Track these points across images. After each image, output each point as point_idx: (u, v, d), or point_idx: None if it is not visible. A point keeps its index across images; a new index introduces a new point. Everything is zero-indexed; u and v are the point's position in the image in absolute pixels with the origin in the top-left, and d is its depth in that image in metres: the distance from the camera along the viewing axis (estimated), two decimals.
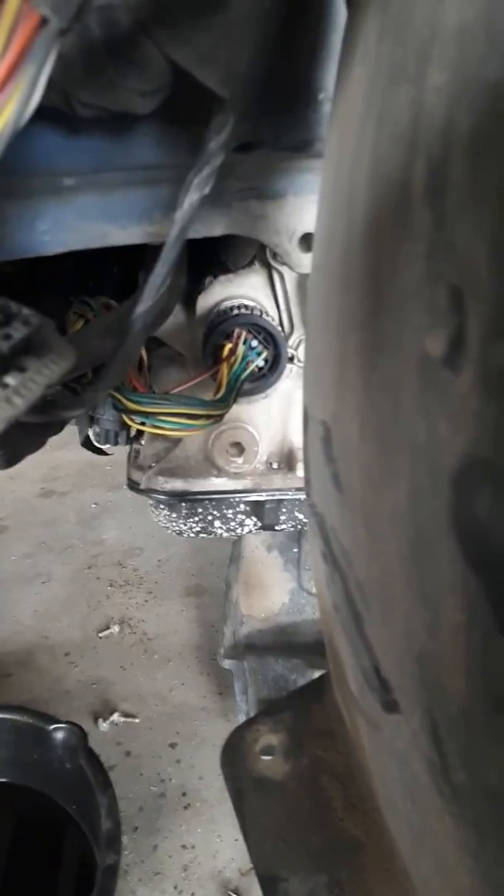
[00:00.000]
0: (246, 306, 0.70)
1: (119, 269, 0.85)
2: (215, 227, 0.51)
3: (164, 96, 0.38)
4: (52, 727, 1.03)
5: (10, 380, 0.28)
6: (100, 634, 1.55)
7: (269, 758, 0.56)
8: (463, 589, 0.20)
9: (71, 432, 0.89)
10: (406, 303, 0.20)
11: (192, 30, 0.33)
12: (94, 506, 2.05)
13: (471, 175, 0.16)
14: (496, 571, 0.18)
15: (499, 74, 0.15)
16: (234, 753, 0.57)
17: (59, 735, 1.03)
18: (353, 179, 0.26)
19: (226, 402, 0.66)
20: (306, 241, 0.53)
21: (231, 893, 1.05)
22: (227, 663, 1.10)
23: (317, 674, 0.83)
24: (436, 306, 0.18)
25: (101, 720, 1.32)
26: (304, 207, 0.51)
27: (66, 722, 1.04)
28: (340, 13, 0.44)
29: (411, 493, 0.22)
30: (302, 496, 0.80)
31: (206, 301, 0.71)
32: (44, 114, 0.30)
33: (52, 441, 0.67)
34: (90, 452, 1.00)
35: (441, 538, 0.20)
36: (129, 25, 0.31)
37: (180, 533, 0.85)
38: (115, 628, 1.56)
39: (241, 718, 1.06)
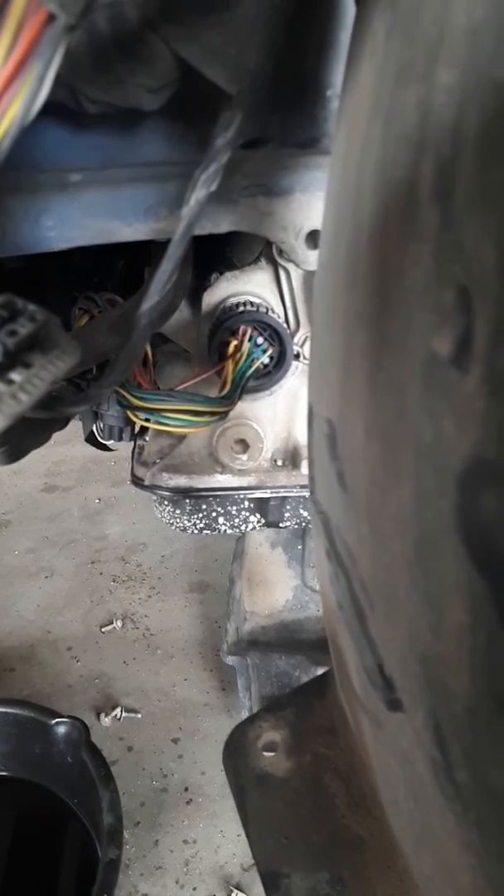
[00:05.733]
0: (252, 303, 0.69)
1: (124, 264, 0.85)
2: (222, 224, 0.51)
3: (172, 93, 0.38)
4: (54, 721, 1.04)
5: (16, 376, 0.28)
6: (102, 629, 1.56)
7: (271, 754, 0.56)
8: (467, 590, 0.20)
9: (75, 427, 0.90)
10: (413, 303, 0.20)
11: (201, 27, 0.33)
12: (97, 501, 2.06)
13: (479, 175, 0.16)
14: (501, 573, 0.18)
15: None
16: (237, 750, 0.57)
17: (61, 729, 1.03)
18: (360, 178, 0.26)
19: (230, 399, 0.66)
20: (313, 237, 0.53)
21: (233, 889, 1.05)
22: (230, 659, 1.10)
23: (320, 671, 0.83)
24: (443, 306, 0.18)
25: (103, 715, 1.33)
26: (311, 204, 0.51)
27: (68, 716, 1.04)
28: (349, 10, 0.43)
29: (416, 494, 0.22)
30: (306, 493, 0.80)
31: (211, 297, 0.71)
32: (51, 109, 0.30)
33: (57, 436, 0.67)
34: (94, 448, 1.00)
35: (446, 539, 0.20)
36: (138, 22, 0.31)
37: (184, 529, 0.85)
38: (118, 623, 1.57)
39: (244, 715, 1.07)
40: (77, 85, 0.35)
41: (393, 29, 0.24)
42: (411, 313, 0.21)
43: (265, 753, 0.57)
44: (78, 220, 0.48)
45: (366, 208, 0.25)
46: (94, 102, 0.37)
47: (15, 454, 0.56)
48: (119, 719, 1.32)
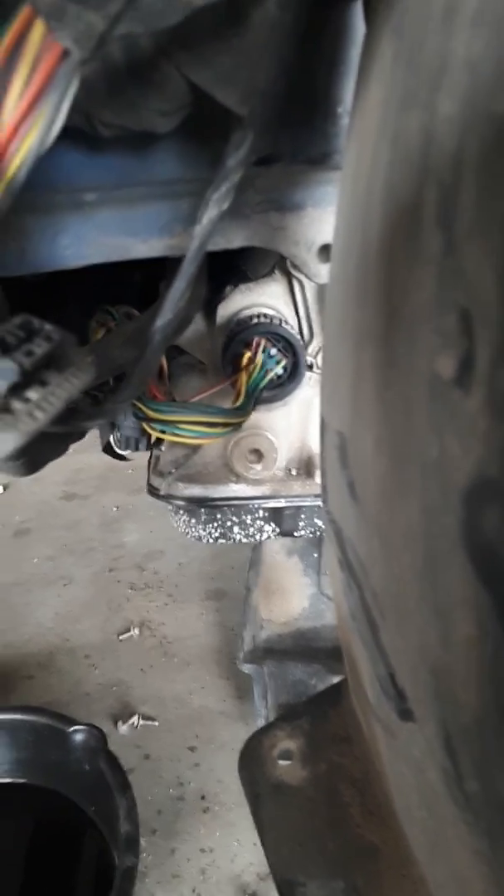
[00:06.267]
0: (265, 315, 0.70)
1: (140, 276, 0.86)
2: (235, 240, 0.52)
3: (184, 115, 0.39)
4: (71, 729, 1.04)
5: (32, 394, 0.29)
6: (120, 637, 1.57)
7: (286, 763, 0.57)
8: (474, 604, 0.20)
9: (93, 436, 0.91)
10: (418, 323, 0.21)
11: (212, 52, 0.33)
12: (115, 509, 2.07)
13: (479, 204, 0.17)
14: None
15: None
16: (252, 758, 0.57)
17: (79, 737, 1.04)
18: (369, 198, 0.27)
19: (245, 410, 0.67)
20: (325, 251, 0.53)
21: None
22: (246, 667, 1.10)
23: (336, 679, 0.83)
24: (446, 329, 0.19)
25: (120, 723, 1.33)
26: (322, 219, 0.52)
27: (85, 724, 1.05)
28: (359, 28, 0.44)
29: (423, 509, 0.23)
30: (320, 502, 0.80)
31: (225, 310, 0.72)
32: (67, 133, 0.31)
33: (75, 445, 0.68)
34: (109, 456, 1.01)
35: (452, 554, 0.21)
36: (151, 50, 0.32)
37: (199, 538, 0.86)
38: (136, 631, 1.57)
39: (261, 723, 1.07)
40: (92, 110, 0.36)
41: (398, 55, 0.25)
42: (416, 333, 0.21)
43: (280, 762, 0.57)
44: (93, 238, 0.49)
45: (374, 227, 0.26)
46: (108, 126, 0.38)
47: (32, 466, 0.57)
48: (136, 727, 1.33)
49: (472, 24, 0.17)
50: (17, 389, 0.29)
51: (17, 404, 0.28)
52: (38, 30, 0.24)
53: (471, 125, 0.17)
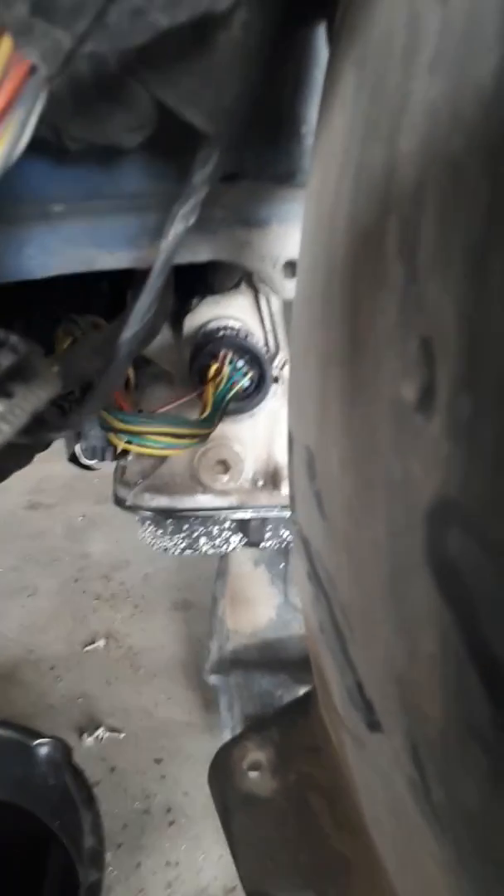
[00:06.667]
0: (232, 327, 0.71)
1: (108, 285, 0.86)
2: (200, 254, 0.52)
3: (151, 131, 0.39)
4: (35, 742, 1.03)
5: None
6: (85, 648, 1.55)
7: (256, 774, 0.57)
8: (437, 620, 0.21)
9: (59, 445, 0.90)
10: (381, 348, 0.21)
11: (178, 72, 0.34)
12: (80, 518, 2.05)
13: (440, 238, 0.17)
14: (467, 606, 0.19)
15: (462, 151, 0.16)
16: (221, 770, 0.57)
17: (44, 750, 1.03)
18: (333, 223, 0.27)
19: (211, 421, 0.67)
20: (290, 267, 0.54)
21: None
22: (212, 679, 1.10)
23: (303, 690, 0.84)
24: (408, 355, 0.19)
25: (85, 735, 1.32)
26: (287, 235, 0.52)
27: (50, 737, 1.04)
28: (323, 50, 0.45)
29: (388, 528, 0.23)
30: (287, 513, 0.81)
31: (192, 321, 0.72)
32: (34, 145, 0.31)
33: (40, 454, 0.67)
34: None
35: (416, 572, 0.21)
36: (117, 67, 0.32)
37: (166, 550, 0.85)
38: (101, 642, 1.56)
39: (227, 734, 1.07)
40: (59, 123, 0.36)
41: (361, 87, 0.25)
42: (380, 358, 0.22)
43: (250, 773, 0.57)
44: (60, 249, 0.49)
45: (338, 253, 0.26)
46: (75, 140, 0.38)
47: None
48: (101, 739, 1.32)
49: (429, 69, 0.18)
50: None
51: None
52: (5, 45, 0.25)
53: (429, 164, 0.17)
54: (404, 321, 0.19)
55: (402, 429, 0.20)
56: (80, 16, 0.25)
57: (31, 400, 0.32)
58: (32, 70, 0.26)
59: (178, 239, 0.39)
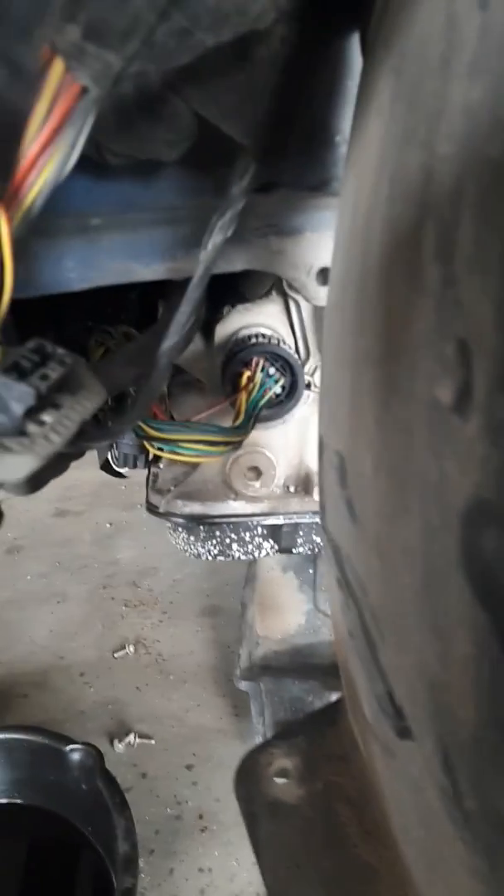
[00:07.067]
0: (263, 335, 0.71)
1: (137, 295, 0.88)
2: (236, 263, 0.53)
3: (190, 145, 0.40)
4: (68, 748, 1.04)
5: (47, 417, 0.29)
6: (115, 655, 1.56)
7: (283, 781, 0.57)
8: (472, 622, 0.21)
9: (87, 453, 0.91)
10: (417, 351, 0.22)
11: (219, 87, 0.35)
12: (108, 525, 2.07)
13: (478, 241, 0.18)
14: (502, 607, 0.19)
15: (502, 153, 0.17)
16: (248, 776, 0.57)
17: (76, 756, 1.03)
18: (368, 229, 0.28)
19: (244, 429, 0.67)
20: (323, 274, 0.54)
21: None
22: (243, 685, 1.10)
23: (333, 696, 0.83)
24: (445, 358, 0.20)
25: (116, 741, 1.32)
26: (320, 243, 0.53)
27: (82, 743, 1.04)
28: (356, 61, 0.46)
29: (422, 529, 0.23)
30: (318, 519, 0.81)
31: (224, 330, 0.73)
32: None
33: None
34: (104, 473, 1.02)
35: (451, 574, 0.21)
36: (160, 84, 0.33)
37: (198, 556, 0.86)
38: (131, 648, 1.57)
39: (258, 740, 1.06)
40: (101, 140, 0.37)
41: (397, 94, 0.26)
42: (416, 360, 0.22)
43: (277, 780, 0.57)
44: (98, 261, 0.50)
45: (373, 258, 0.27)
46: (116, 155, 0.39)
47: (34, 486, 0.58)
48: (132, 745, 1.32)
49: (468, 73, 0.18)
50: (32, 413, 0.29)
51: (32, 428, 0.29)
52: (57, 68, 0.26)
53: (469, 167, 0.18)
54: (440, 323, 0.20)
55: (438, 430, 0.21)
56: (130, 38, 0.26)
57: (78, 410, 0.33)
58: (83, 91, 0.27)
59: (217, 249, 0.40)
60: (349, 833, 0.52)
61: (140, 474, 0.92)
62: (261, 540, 0.84)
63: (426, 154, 0.21)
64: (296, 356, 0.72)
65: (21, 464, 0.30)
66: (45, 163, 0.27)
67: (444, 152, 0.20)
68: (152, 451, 0.72)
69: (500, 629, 0.20)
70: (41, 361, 0.30)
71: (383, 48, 0.28)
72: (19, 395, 0.29)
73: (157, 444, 0.68)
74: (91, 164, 0.43)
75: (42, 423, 0.29)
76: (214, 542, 0.84)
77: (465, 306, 0.18)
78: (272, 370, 0.71)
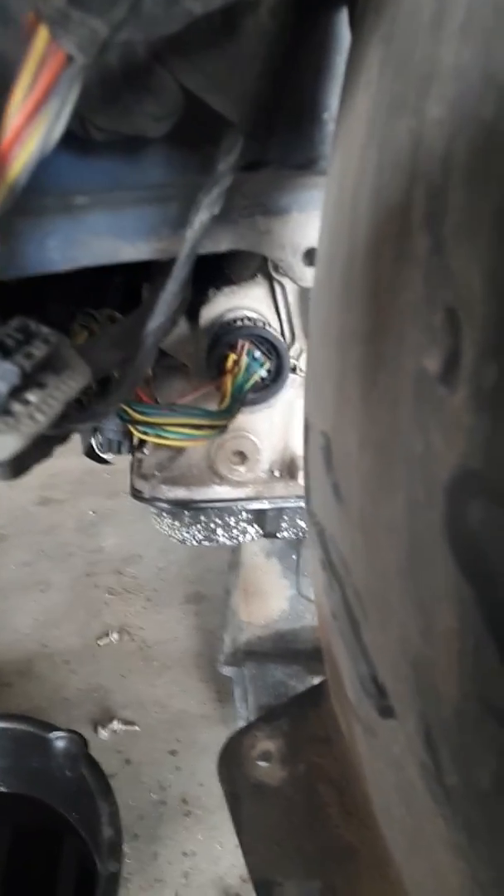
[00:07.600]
0: (249, 318, 0.71)
1: (121, 278, 0.87)
2: (221, 243, 0.52)
3: (176, 120, 0.39)
4: (52, 735, 1.04)
5: (32, 396, 0.29)
6: (99, 642, 1.56)
7: (265, 764, 0.57)
8: (456, 596, 0.21)
9: (69, 439, 0.90)
10: (405, 322, 0.22)
11: (206, 59, 0.34)
12: (92, 513, 2.06)
13: (468, 205, 0.17)
14: (487, 580, 0.19)
15: (494, 113, 0.16)
16: (231, 759, 0.58)
17: (60, 743, 1.03)
18: (355, 202, 0.28)
19: (230, 412, 0.67)
20: (309, 255, 0.54)
21: None
22: (226, 670, 1.11)
23: (316, 680, 0.84)
24: (433, 327, 0.19)
25: (100, 728, 1.32)
26: (308, 223, 0.52)
27: (66, 730, 1.04)
28: (344, 36, 0.45)
29: (407, 504, 0.23)
30: (303, 504, 0.81)
31: (209, 313, 0.72)
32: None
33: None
34: (88, 460, 1.01)
35: (436, 547, 0.21)
36: (147, 55, 0.32)
37: (183, 541, 0.86)
38: (115, 636, 1.57)
39: (242, 725, 1.07)
40: (86, 114, 0.37)
41: (386, 63, 0.25)
42: (403, 332, 0.22)
43: (260, 763, 0.57)
44: (82, 241, 0.49)
45: (361, 231, 0.26)
46: (101, 130, 0.38)
47: (18, 469, 0.57)
48: (117, 732, 1.32)
49: (459, 33, 0.18)
50: (17, 392, 0.29)
51: (17, 407, 0.29)
52: (41, 35, 0.25)
53: (459, 129, 0.18)
54: (429, 293, 0.19)
55: (425, 402, 0.20)
56: (117, 4, 0.25)
57: (63, 390, 0.32)
58: (68, 60, 0.26)
59: (204, 228, 0.39)
60: (331, 813, 0.53)
61: (124, 462, 0.92)
62: (246, 525, 0.84)
63: (416, 120, 0.21)
64: (281, 339, 0.71)
65: (5, 443, 0.30)
66: (30, 134, 0.26)
67: (434, 116, 0.19)
68: (137, 435, 0.71)
69: (485, 602, 0.20)
70: (25, 340, 0.29)
71: (373, 17, 0.28)
72: (3, 374, 0.29)
73: (141, 428, 0.67)
74: (76, 140, 0.42)
75: (27, 403, 0.28)
76: (199, 527, 0.84)
77: (454, 274, 0.18)
78: (258, 353, 0.71)
